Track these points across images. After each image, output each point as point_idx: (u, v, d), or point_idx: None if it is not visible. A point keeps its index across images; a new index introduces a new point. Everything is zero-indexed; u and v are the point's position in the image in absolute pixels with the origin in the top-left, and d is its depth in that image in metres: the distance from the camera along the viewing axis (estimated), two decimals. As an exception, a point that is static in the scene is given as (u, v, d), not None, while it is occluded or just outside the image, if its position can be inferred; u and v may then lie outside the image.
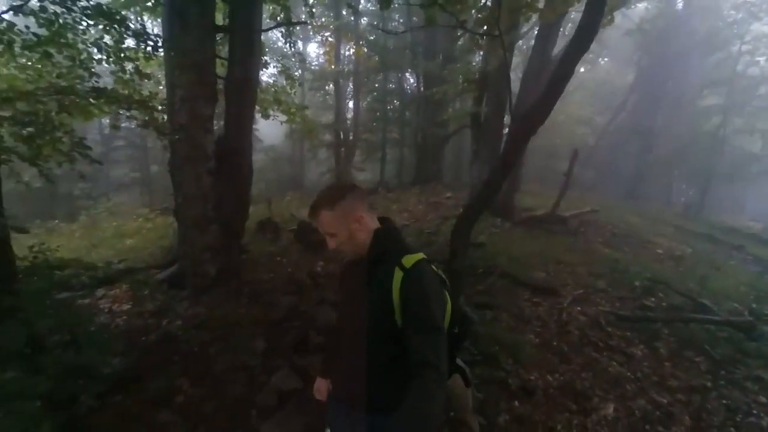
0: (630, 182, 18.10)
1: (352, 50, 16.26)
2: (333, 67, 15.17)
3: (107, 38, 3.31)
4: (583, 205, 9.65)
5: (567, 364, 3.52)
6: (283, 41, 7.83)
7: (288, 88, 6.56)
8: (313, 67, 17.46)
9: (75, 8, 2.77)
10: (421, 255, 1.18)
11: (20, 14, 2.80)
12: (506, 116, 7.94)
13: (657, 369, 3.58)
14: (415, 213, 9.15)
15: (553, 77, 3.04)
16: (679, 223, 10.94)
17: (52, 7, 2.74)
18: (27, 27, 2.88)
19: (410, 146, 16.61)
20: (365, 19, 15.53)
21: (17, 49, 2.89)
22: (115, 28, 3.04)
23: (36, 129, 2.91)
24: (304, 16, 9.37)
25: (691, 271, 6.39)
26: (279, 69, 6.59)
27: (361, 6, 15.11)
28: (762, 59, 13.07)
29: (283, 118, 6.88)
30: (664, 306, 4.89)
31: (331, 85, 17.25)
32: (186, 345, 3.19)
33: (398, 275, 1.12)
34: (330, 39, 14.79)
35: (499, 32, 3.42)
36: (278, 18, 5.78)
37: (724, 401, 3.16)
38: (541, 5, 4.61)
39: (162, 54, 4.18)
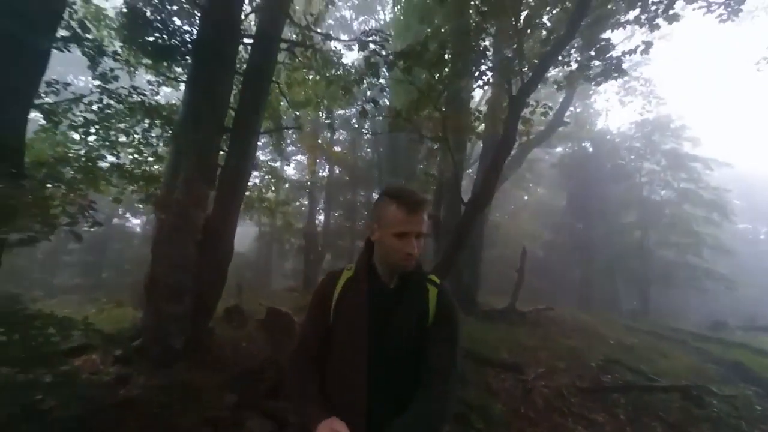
0: (579, 290, 19.50)
1: (326, 168, 18.45)
2: (309, 178, 16.85)
3: (137, 127, 4.03)
4: (539, 303, 10.33)
5: (535, 427, 3.60)
6: (271, 143, 9.00)
7: (272, 186, 7.42)
8: (291, 179, 19.24)
9: (125, 103, 3.53)
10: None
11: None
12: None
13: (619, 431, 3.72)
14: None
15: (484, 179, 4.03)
16: (626, 323, 11.72)
17: (107, 100, 3.49)
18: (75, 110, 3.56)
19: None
20: (342, 136, 18.22)
21: (62, 128, 3.50)
22: (154, 122, 3.79)
23: (53, 190, 3.30)
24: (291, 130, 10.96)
25: (641, 356, 6.82)
26: (266, 169, 7.56)
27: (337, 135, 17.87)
28: (659, 188, 16.36)
29: (252, 224, 7.56)
30: (619, 381, 5.16)
31: (304, 199, 18.86)
32: (147, 408, 3.03)
33: (433, 291, 1.17)
34: (308, 155, 16.86)
35: (446, 139, 4.55)
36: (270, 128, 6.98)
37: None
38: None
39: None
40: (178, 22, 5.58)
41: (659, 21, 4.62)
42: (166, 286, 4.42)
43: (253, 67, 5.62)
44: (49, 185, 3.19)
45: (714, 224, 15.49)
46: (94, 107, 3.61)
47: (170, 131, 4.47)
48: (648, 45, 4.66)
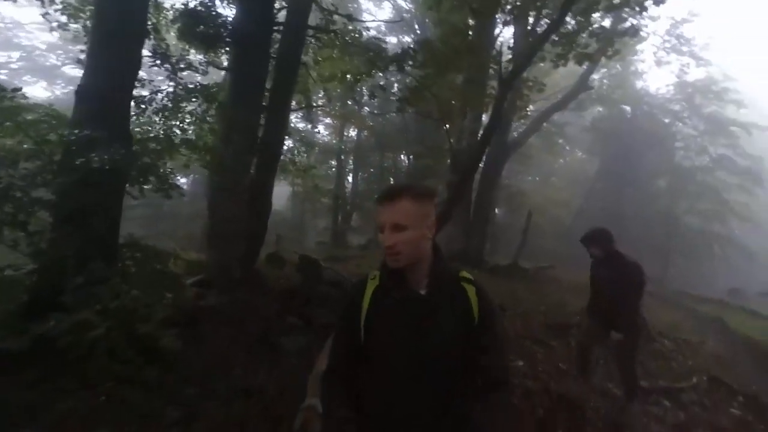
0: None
1: (354, 131, 19.36)
2: (336, 142, 17.91)
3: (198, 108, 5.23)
4: (544, 261, 11.18)
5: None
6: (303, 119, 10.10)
7: (303, 152, 8.59)
8: (320, 143, 20.39)
9: (188, 92, 4.69)
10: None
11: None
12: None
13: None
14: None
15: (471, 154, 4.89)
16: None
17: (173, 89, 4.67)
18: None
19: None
20: (366, 108, 18.89)
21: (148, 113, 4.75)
22: (209, 103, 4.94)
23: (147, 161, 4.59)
24: (321, 101, 11.93)
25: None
26: (298, 138, 8.70)
27: (364, 98, 18.51)
28: (692, 154, 15.85)
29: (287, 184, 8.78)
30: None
31: (333, 161, 20.08)
32: (220, 314, 4.47)
33: (471, 289, 1.10)
34: (336, 122, 17.79)
35: (447, 119, 5.38)
36: (302, 103, 8.02)
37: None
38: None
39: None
40: (221, 13, 6.55)
41: (648, 3, 5.00)
42: (224, 232, 5.83)
43: (284, 52, 6.55)
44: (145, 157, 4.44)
45: (746, 192, 15.01)
46: (166, 96, 4.81)
47: (218, 109, 5.61)
48: (635, 29, 5.08)
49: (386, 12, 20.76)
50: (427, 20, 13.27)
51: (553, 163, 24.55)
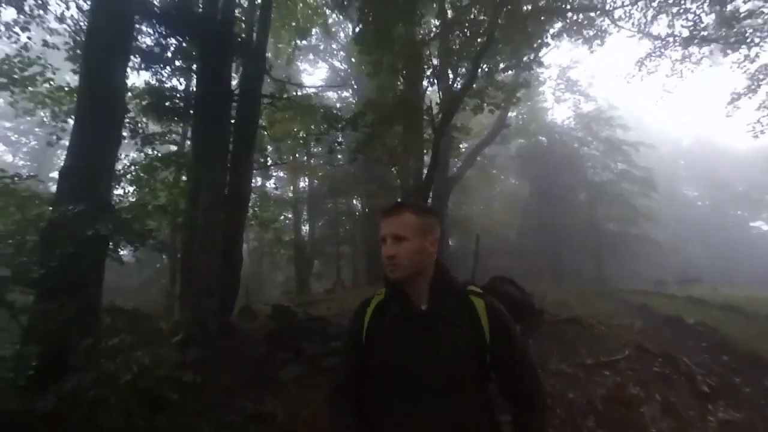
0: (553, 267, 21.79)
1: (306, 182, 20.12)
2: (291, 194, 18.46)
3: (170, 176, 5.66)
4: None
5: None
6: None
7: (266, 206, 9.08)
8: (273, 195, 20.76)
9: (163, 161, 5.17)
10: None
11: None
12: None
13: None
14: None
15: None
16: (582, 287, 13.83)
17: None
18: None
19: (363, 254, 19.27)
20: (316, 159, 19.90)
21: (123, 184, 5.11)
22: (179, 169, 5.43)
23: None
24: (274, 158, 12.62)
25: (567, 306, 8.81)
26: (257, 195, 9.20)
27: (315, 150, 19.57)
28: (599, 170, 18.84)
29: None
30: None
31: (289, 213, 20.47)
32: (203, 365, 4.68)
33: (479, 303, 1.07)
34: (289, 174, 18.49)
35: (394, 162, 6.34)
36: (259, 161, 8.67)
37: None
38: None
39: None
40: (180, 87, 7.19)
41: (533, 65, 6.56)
42: (200, 288, 6.03)
43: (242, 117, 7.26)
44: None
45: (646, 196, 18.07)
46: (140, 167, 5.23)
47: (187, 174, 6.07)
48: (528, 82, 6.60)
49: (322, 71, 22.62)
50: (363, 77, 15.06)
51: (492, 191, 27.07)
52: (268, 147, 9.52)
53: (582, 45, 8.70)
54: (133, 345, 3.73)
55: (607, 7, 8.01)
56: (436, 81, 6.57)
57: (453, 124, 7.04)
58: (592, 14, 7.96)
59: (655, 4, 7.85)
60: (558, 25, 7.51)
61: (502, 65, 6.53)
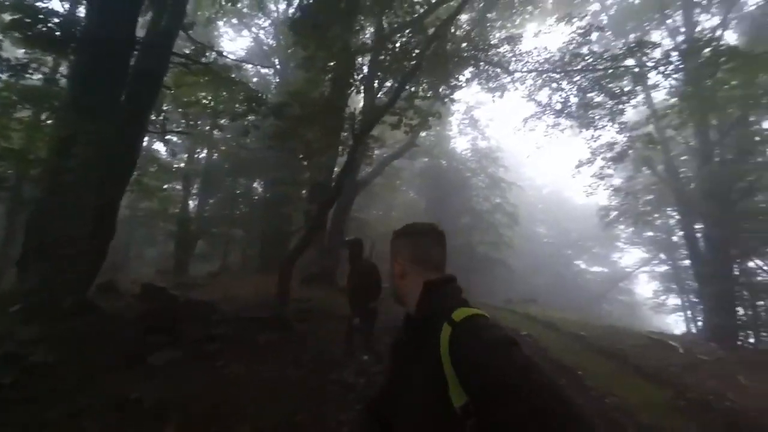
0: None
1: (204, 152, 18.22)
2: (186, 164, 16.52)
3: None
4: (386, 281, 13.27)
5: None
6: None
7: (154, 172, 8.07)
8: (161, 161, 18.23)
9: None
10: (479, 311, 0.89)
11: None
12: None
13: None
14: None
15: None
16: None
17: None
18: None
19: (257, 238, 18.28)
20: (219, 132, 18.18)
21: None
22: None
23: None
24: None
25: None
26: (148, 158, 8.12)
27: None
28: (481, 200, 21.98)
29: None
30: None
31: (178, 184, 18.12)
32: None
33: (446, 332, 0.84)
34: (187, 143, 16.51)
35: (310, 157, 6.45)
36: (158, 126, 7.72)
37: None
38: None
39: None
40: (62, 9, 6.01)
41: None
42: (51, 255, 5.08)
43: (142, 70, 6.36)
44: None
45: (510, 228, 21.85)
46: None
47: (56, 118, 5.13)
48: (440, 113, 7.49)
49: (246, 40, 20.93)
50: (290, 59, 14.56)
51: (393, 200, 28.82)
52: (166, 108, 8.47)
53: (487, 92, 10.26)
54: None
55: (510, 68, 9.79)
56: (362, 90, 6.93)
57: (371, 134, 7.50)
58: (498, 70, 9.62)
59: (540, 80, 9.86)
60: (470, 70, 8.85)
61: (422, 93, 7.26)
